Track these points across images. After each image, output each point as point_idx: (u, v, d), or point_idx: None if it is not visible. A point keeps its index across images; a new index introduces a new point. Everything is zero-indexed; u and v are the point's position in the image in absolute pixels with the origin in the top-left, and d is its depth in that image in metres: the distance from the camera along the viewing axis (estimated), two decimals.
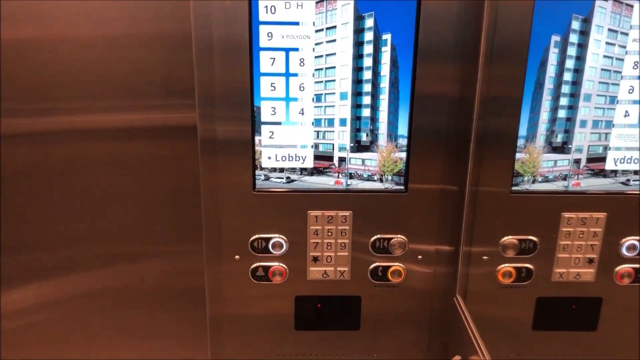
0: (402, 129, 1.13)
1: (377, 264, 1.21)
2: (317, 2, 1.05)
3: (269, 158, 1.14)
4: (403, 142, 1.13)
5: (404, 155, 1.14)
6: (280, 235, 1.18)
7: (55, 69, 1.10)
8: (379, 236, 1.19)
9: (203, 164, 1.13)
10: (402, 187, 1.16)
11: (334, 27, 1.07)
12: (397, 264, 1.21)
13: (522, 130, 1.12)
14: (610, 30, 1.07)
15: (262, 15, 1.05)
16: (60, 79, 1.11)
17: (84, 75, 1.11)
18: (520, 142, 1.12)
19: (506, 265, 1.20)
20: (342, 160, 1.15)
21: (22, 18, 1.07)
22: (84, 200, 1.19)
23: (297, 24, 1.06)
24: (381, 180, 1.16)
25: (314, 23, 1.06)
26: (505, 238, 1.18)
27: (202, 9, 1.03)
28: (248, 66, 1.07)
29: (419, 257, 1.21)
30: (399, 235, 1.19)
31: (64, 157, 1.16)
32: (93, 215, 1.20)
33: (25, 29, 1.08)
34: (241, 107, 1.10)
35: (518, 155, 1.12)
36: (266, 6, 1.05)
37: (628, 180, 1.16)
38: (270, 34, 1.07)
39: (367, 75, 1.10)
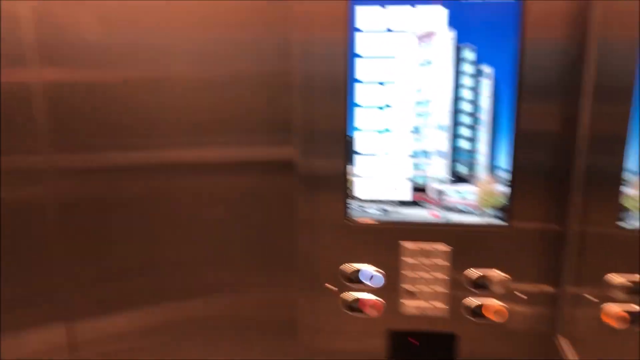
0: (502, 161, 1.09)
1: (475, 300, 1.16)
2: (415, 35, 1.05)
3: (364, 189, 1.14)
4: (503, 175, 1.10)
5: (504, 189, 1.10)
6: (375, 267, 1.17)
7: (167, 105, 1.18)
8: (477, 272, 1.15)
9: (299, 197, 1.15)
10: (503, 222, 1.12)
11: (433, 58, 1.06)
12: (496, 301, 1.16)
13: (632, 166, 1.05)
14: None
15: (360, 49, 1.07)
16: (170, 115, 1.18)
17: (190, 113, 1.18)
18: (629, 177, 1.05)
19: (613, 305, 1.12)
20: (438, 192, 1.13)
21: (143, 59, 1.15)
22: (185, 229, 1.24)
23: (394, 57, 1.07)
24: (480, 214, 1.12)
25: (411, 55, 1.06)
26: (612, 277, 1.11)
27: (303, 47, 1.06)
28: (345, 99, 1.09)
29: (520, 295, 1.15)
30: (498, 272, 1.14)
31: (170, 189, 1.22)
32: (190, 245, 1.25)
33: (142, 69, 1.16)
34: (337, 140, 1.11)
35: (626, 192, 1.06)
36: (364, 40, 1.06)
37: None
38: (367, 67, 1.07)
39: (466, 106, 1.08)
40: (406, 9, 1.04)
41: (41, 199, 1.25)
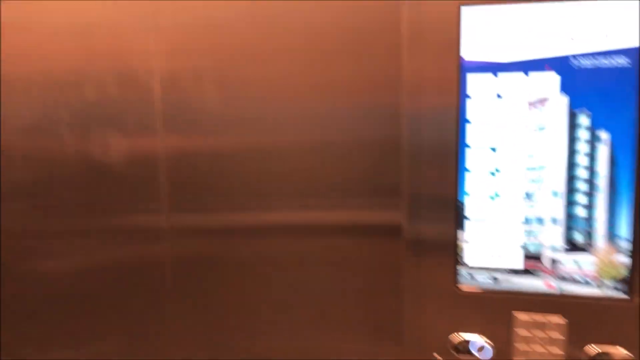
0: (622, 230, 1.04)
1: None
2: (527, 101, 1.05)
3: (474, 256, 1.11)
4: (623, 244, 1.04)
5: (625, 259, 1.04)
6: (484, 337, 1.12)
7: (278, 169, 1.24)
8: (597, 348, 1.07)
9: (406, 262, 1.14)
10: (624, 295, 1.05)
11: (545, 124, 1.05)
12: None
13: None
14: None
15: (471, 115, 1.08)
16: (280, 178, 1.24)
17: (299, 176, 1.22)
18: None
19: None
20: (553, 261, 1.08)
21: (257, 126, 1.23)
22: (288, 291, 1.26)
23: (505, 123, 1.07)
24: (599, 286, 1.06)
25: (523, 121, 1.06)
26: None
27: (412, 113, 1.09)
28: (455, 165, 1.09)
29: None
30: (621, 350, 1.06)
31: (277, 250, 1.26)
32: (292, 308, 1.27)
33: (256, 135, 1.24)
34: (446, 205, 1.11)
35: None
36: (475, 106, 1.07)
37: None
38: (478, 133, 1.08)
39: (581, 172, 1.05)
40: (518, 76, 1.05)
41: (159, 257, 1.33)
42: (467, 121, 1.08)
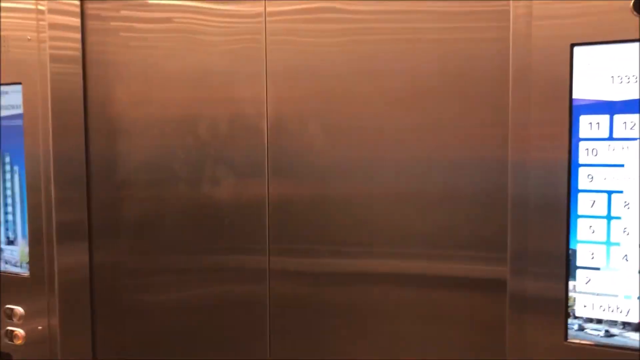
0: None
1: None
2: None
3: (585, 307, 1.05)
4: None
5: None
6: None
7: (378, 217, 1.25)
8: None
9: (510, 318, 1.09)
10: None
11: None
12: None
13: None
14: None
15: (583, 158, 1.04)
16: (381, 226, 1.25)
17: (402, 225, 1.23)
18: None
19: None
20: None
21: (361, 172, 1.26)
22: (381, 342, 1.25)
23: (622, 165, 1.03)
24: None
25: None
26: None
27: (519, 159, 1.07)
28: (565, 212, 1.05)
29: None
30: None
31: (373, 299, 1.26)
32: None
33: (360, 182, 1.27)
34: (555, 259, 1.06)
35: None
36: (587, 149, 1.04)
37: None
38: (590, 176, 1.04)
39: None
40: (635, 117, 1.01)
41: (260, 297, 1.36)
42: (580, 165, 1.05)
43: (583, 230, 1.04)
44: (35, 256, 1.56)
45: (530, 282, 1.08)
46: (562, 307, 1.05)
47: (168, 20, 1.44)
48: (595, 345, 1.04)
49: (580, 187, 1.04)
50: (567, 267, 1.05)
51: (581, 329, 1.05)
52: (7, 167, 1.56)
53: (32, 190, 1.53)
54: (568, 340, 1.06)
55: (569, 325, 1.05)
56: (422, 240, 1.23)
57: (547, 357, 1.06)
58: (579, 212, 1.05)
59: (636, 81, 1.00)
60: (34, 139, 1.51)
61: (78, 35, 1.54)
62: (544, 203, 1.06)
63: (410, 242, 1.23)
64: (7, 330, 1.60)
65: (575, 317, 1.05)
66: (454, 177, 1.19)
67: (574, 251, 1.05)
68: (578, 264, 1.05)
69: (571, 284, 1.05)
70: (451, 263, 1.21)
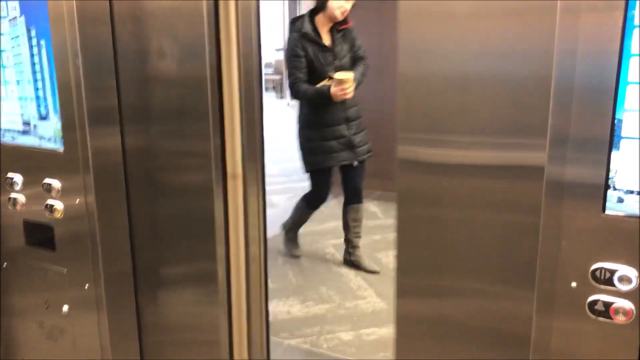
0: None
1: None
2: None
3: (627, 178, 1.02)
4: None
5: None
6: (631, 268, 1.03)
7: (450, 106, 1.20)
8: None
9: (546, 203, 1.08)
10: None
11: None
12: None
13: None
14: None
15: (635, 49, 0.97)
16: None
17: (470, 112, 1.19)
18: None
19: None
20: None
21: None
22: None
23: None
24: None
25: None
26: None
27: (566, 46, 1.00)
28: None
29: None
30: None
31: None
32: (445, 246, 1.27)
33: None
34: (600, 127, 1.02)
35: None
36: None
37: None
38: None
39: None
40: None
41: None
42: (633, 55, 0.97)
43: (631, 98, 0.99)
44: (68, 134, 1.57)
45: (569, 169, 1.05)
46: (603, 178, 1.02)
47: None
48: (634, 217, 1.02)
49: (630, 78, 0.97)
50: (612, 136, 1.01)
51: (621, 200, 1.02)
52: (34, 42, 1.53)
53: (60, 66, 1.51)
54: (606, 213, 1.03)
55: (608, 197, 1.03)
56: (464, 128, 1.19)
57: (583, 226, 1.05)
58: (629, 79, 0.98)
59: None
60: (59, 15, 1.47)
61: None
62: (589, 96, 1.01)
63: (451, 130, 1.20)
64: (47, 204, 1.65)
65: (615, 189, 1.03)
66: (496, 62, 1.14)
67: (620, 121, 1.00)
68: (623, 134, 1.00)
69: (614, 154, 1.01)
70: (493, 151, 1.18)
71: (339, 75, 3.02)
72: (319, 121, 3.17)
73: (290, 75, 3.15)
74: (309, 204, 3.49)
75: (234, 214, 1.67)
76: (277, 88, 11.59)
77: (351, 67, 3.18)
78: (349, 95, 3.03)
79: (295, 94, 3.20)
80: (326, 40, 3.13)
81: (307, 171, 3.36)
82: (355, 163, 3.25)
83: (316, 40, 3.10)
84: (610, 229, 1.03)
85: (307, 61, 3.10)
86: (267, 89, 11.48)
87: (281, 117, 9.43)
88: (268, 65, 11.41)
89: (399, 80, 1.23)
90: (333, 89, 3.01)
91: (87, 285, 1.67)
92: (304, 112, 3.28)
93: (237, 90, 1.57)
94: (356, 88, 3.11)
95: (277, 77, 11.42)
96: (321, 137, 3.18)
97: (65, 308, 1.72)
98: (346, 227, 3.50)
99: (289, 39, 3.17)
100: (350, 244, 3.52)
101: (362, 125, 3.28)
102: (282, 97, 11.30)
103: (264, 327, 1.82)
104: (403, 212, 1.30)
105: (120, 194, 1.66)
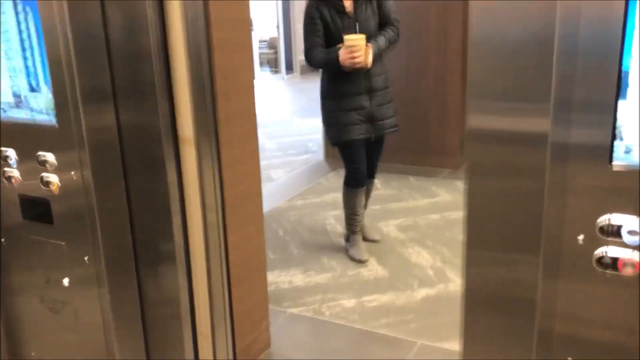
0: None
1: None
2: None
3: (634, 128, 0.99)
4: None
5: None
6: (639, 219, 1.01)
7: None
8: None
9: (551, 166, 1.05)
10: None
11: None
12: None
13: None
14: None
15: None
16: None
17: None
18: None
19: None
20: None
21: None
22: None
23: None
24: None
25: None
26: None
27: (569, 11, 0.96)
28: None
29: None
30: None
31: None
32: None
33: None
34: (607, 76, 0.98)
35: None
36: None
37: None
38: None
39: None
40: None
41: None
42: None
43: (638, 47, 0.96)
44: (62, 109, 1.54)
45: (574, 133, 1.02)
46: (610, 128, 1.00)
47: None
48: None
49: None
50: (618, 89, 0.98)
51: (628, 151, 1.00)
52: (19, 7, 1.49)
53: (49, 41, 1.47)
54: (612, 164, 1.01)
55: (616, 148, 1.00)
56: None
57: (590, 179, 1.03)
58: (636, 24, 0.95)
59: None
60: None
61: None
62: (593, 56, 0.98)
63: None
64: (43, 178, 1.62)
65: (622, 139, 1.00)
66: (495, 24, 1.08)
67: (626, 73, 0.97)
68: (630, 83, 0.98)
69: (621, 102, 0.99)
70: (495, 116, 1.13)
71: (347, 39, 2.72)
72: (338, 91, 2.91)
73: (304, 41, 2.91)
74: (346, 184, 3.13)
75: (189, 182, 1.67)
76: (272, 63, 11.52)
77: (375, 33, 2.89)
78: (359, 61, 2.73)
79: (307, 60, 2.94)
80: (347, 2, 2.85)
81: (332, 145, 3.16)
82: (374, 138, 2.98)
83: (334, 1, 2.84)
84: (617, 180, 1.01)
85: (324, 25, 2.84)
86: (261, 64, 11.40)
87: (276, 91, 9.36)
88: (262, 41, 11.35)
89: (472, 43, 1.12)
90: (341, 54, 2.74)
91: (86, 257, 1.65)
92: (324, 81, 3.01)
93: (185, 55, 1.57)
94: (381, 55, 2.90)
95: (271, 52, 11.37)
96: (339, 108, 2.91)
97: (66, 281, 1.70)
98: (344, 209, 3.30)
99: (307, 4, 2.93)
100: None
101: (390, 96, 3.00)
102: (276, 72, 11.23)
103: (226, 293, 1.82)
104: (474, 184, 1.19)
105: (117, 169, 1.64)
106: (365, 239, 3.36)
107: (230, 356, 1.92)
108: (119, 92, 1.58)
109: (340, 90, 2.90)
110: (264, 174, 4.88)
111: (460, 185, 4.35)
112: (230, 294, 1.89)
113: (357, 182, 3.09)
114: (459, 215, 3.74)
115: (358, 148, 2.99)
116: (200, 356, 1.82)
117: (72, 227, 1.66)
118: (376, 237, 3.43)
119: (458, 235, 3.26)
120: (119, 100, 1.58)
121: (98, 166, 1.58)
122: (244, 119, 2.02)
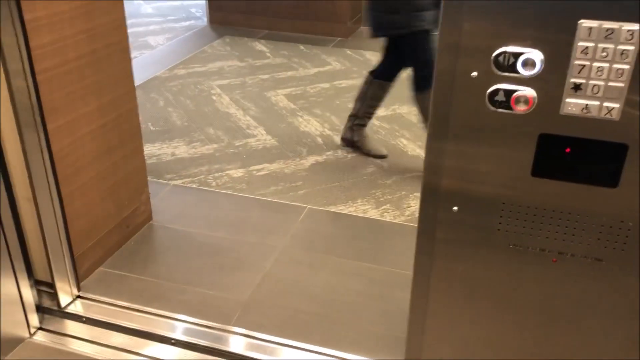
0: None
1: None
2: None
3: None
4: None
5: None
6: (536, 51, 0.93)
7: None
8: None
9: None
10: None
11: None
12: None
13: None
14: None
15: None
16: None
17: None
18: None
19: None
20: None
21: None
22: None
23: None
24: None
25: None
26: None
27: None
28: None
29: None
30: None
31: None
32: None
33: None
34: None
35: None
36: None
37: None
38: None
39: None
40: None
41: None
42: None
43: None
44: None
45: None
46: None
47: None
48: None
49: None
50: None
51: None
52: None
53: None
54: None
55: None
56: None
57: (485, 5, 0.92)
58: None
59: None
60: None
61: None
62: None
63: None
64: None
65: None
66: None
67: None
68: None
69: None
70: None
71: None
72: None
73: None
74: (420, 87, 2.47)
75: None
76: None
77: None
78: None
79: None
80: None
81: (382, 35, 2.56)
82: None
83: None
84: (515, 6, 0.91)
85: None
86: None
87: None
88: None
89: None
90: None
91: None
92: None
93: None
94: None
95: None
96: None
97: None
98: (361, 100, 2.74)
99: None
100: (355, 121, 2.77)
101: None
102: None
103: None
104: None
105: None
106: (368, 154, 2.78)
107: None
108: None
109: None
110: (140, 41, 4.46)
111: (350, 53, 4.22)
112: (50, 150, 1.61)
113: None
114: (348, 83, 3.65)
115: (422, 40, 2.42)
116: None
117: None
118: (384, 152, 2.80)
119: (347, 103, 3.18)
120: None
121: None
122: None
